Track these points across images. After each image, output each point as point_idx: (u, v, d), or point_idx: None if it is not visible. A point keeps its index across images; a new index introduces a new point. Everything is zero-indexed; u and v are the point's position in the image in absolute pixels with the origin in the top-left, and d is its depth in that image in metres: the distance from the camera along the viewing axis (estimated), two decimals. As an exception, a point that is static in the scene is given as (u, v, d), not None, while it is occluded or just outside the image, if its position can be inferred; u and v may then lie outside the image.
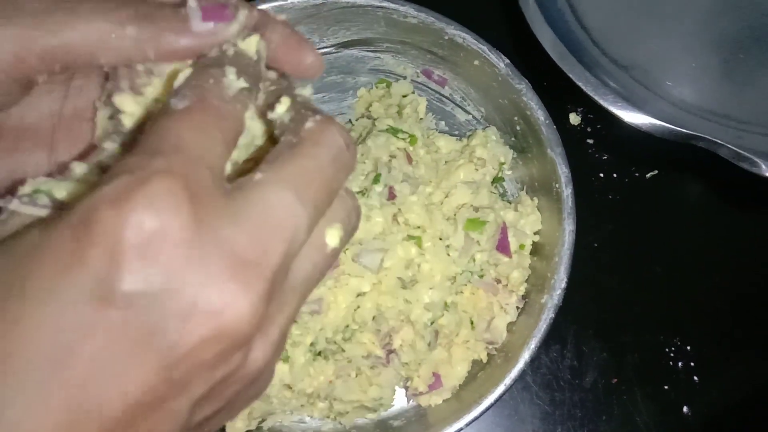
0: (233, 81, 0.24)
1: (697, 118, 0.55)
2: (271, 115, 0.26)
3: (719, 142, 0.51)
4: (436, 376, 0.47)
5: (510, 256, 0.47)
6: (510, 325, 0.48)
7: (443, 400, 0.47)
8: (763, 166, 0.51)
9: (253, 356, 0.22)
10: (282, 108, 0.26)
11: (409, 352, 0.45)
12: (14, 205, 0.22)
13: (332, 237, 0.24)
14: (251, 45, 0.27)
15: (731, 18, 0.59)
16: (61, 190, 0.23)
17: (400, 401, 0.48)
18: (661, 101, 0.56)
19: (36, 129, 0.31)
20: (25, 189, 0.23)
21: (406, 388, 0.48)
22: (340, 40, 0.54)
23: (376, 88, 0.55)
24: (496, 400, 0.44)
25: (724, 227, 0.55)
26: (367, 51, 0.55)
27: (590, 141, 0.56)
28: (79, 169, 0.24)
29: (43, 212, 0.22)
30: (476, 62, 0.50)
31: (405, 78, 0.55)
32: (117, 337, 0.19)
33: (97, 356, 0.18)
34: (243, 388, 0.23)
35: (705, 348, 0.52)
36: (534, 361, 0.49)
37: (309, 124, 0.24)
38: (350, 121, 0.55)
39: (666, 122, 0.52)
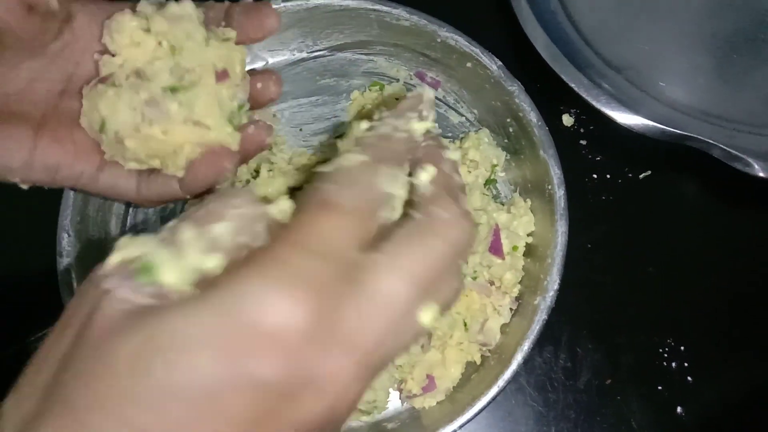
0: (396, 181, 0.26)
1: (690, 119, 0.55)
2: (413, 180, 0.27)
3: (712, 142, 0.51)
4: (429, 378, 0.47)
5: (503, 258, 0.47)
6: (503, 327, 0.48)
7: (437, 402, 0.47)
8: (756, 166, 0.51)
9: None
10: (426, 177, 0.27)
11: (403, 354, 0.45)
12: (123, 293, 0.22)
13: (426, 315, 0.25)
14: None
15: (724, 18, 0.59)
16: (173, 271, 0.23)
17: (394, 403, 0.49)
18: (654, 102, 0.56)
19: (23, 102, 0.35)
20: (129, 254, 0.23)
21: (400, 391, 0.48)
22: (333, 44, 0.54)
23: (370, 90, 0.55)
24: (490, 402, 0.44)
25: (717, 227, 0.55)
26: (361, 54, 0.55)
27: (583, 142, 0.56)
28: (188, 234, 0.24)
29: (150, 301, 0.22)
30: (469, 64, 0.50)
31: (398, 80, 0.55)
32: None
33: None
34: None
35: (699, 348, 0.52)
36: (528, 362, 0.49)
37: (444, 215, 0.26)
38: (344, 124, 0.55)
39: (659, 123, 0.52)
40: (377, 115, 0.30)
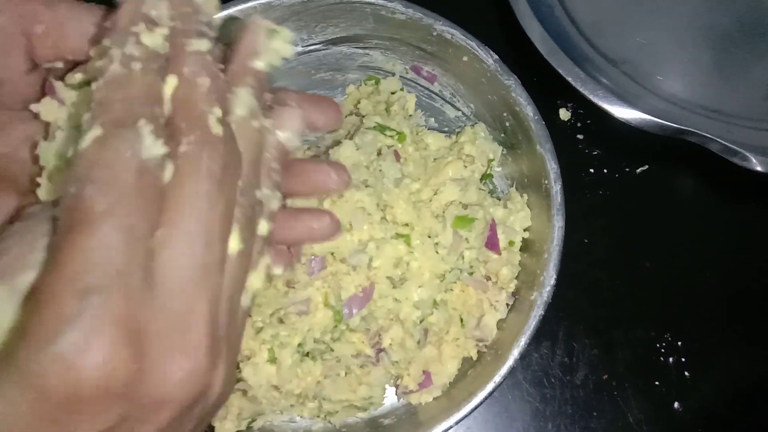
0: (150, 146, 0.22)
1: (688, 113, 0.55)
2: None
3: (710, 136, 0.51)
4: (426, 374, 0.47)
5: (499, 253, 0.47)
6: (500, 323, 0.48)
7: (433, 398, 0.47)
8: (754, 160, 0.50)
9: None
10: (167, 90, 0.24)
11: (399, 350, 0.45)
12: None
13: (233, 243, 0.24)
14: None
15: (721, 12, 0.59)
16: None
17: (390, 399, 0.48)
18: (652, 96, 0.55)
19: (11, 164, 0.31)
20: None
21: (397, 387, 0.48)
22: (328, 37, 0.54)
23: (365, 85, 0.55)
24: (486, 398, 0.44)
25: (715, 222, 0.55)
26: (356, 48, 0.55)
27: (580, 136, 0.56)
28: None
29: None
30: (465, 58, 0.50)
31: (394, 74, 0.55)
32: None
33: None
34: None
35: (696, 344, 0.51)
36: (524, 358, 0.49)
37: (193, 152, 0.23)
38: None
39: (656, 117, 0.52)
40: (95, 50, 0.25)
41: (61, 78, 0.29)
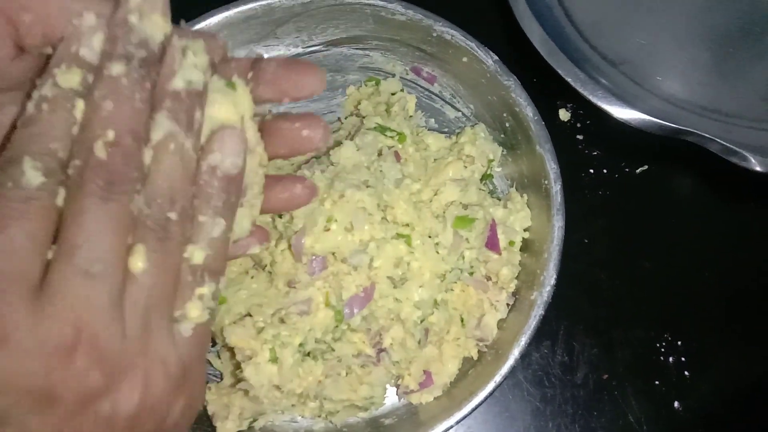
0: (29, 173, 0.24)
1: (687, 113, 0.55)
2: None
3: (709, 136, 0.51)
4: (426, 373, 0.47)
5: (499, 253, 0.47)
6: (500, 322, 0.48)
7: (434, 398, 0.47)
8: (753, 160, 0.51)
9: None
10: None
11: (400, 350, 0.45)
12: None
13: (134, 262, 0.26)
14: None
15: (720, 12, 0.59)
16: None
17: (391, 399, 0.48)
18: (651, 96, 0.56)
19: None
20: None
21: (397, 387, 0.48)
22: (328, 38, 0.54)
23: (365, 86, 0.55)
24: (487, 397, 0.44)
25: (714, 222, 0.55)
26: (356, 49, 0.55)
27: (580, 137, 0.56)
28: None
29: None
30: (465, 59, 0.50)
31: (394, 75, 0.55)
32: None
33: None
34: None
35: (696, 343, 0.52)
36: (525, 357, 0.50)
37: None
38: (339, 119, 0.55)
39: (655, 117, 0.52)
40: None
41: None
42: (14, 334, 0.23)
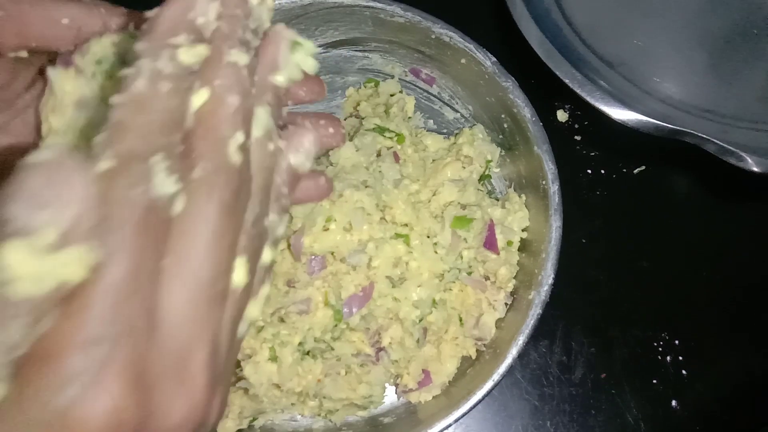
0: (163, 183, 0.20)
1: (684, 114, 0.55)
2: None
3: (705, 137, 0.52)
4: (425, 372, 0.47)
5: (497, 253, 0.48)
6: (498, 322, 0.48)
7: (433, 397, 0.47)
8: (749, 161, 0.51)
9: None
10: (197, 102, 0.22)
11: (399, 349, 0.45)
12: None
13: (238, 276, 0.23)
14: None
15: (717, 14, 0.59)
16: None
17: (390, 398, 0.49)
18: (648, 97, 0.56)
19: None
20: None
21: (396, 385, 0.48)
22: (328, 40, 0.54)
23: (365, 87, 0.55)
24: (485, 396, 0.44)
25: (711, 222, 0.55)
26: (356, 50, 0.55)
27: (578, 138, 0.57)
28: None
29: None
30: (463, 60, 0.51)
31: (393, 77, 0.55)
32: None
33: None
34: None
35: (693, 342, 0.52)
36: (523, 356, 0.50)
37: (205, 177, 0.21)
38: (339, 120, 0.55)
39: (653, 118, 0.52)
40: (131, 53, 0.21)
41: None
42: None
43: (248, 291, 0.24)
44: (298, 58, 0.25)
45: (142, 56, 0.21)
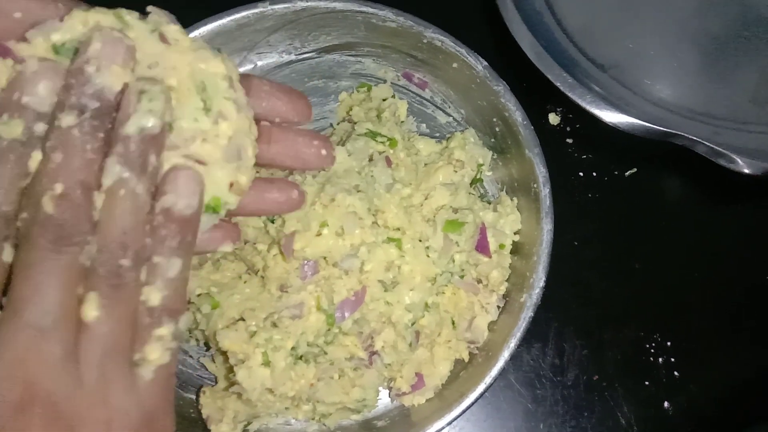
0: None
1: (675, 116, 0.55)
2: None
3: (697, 139, 0.52)
4: (418, 376, 0.47)
5: (489, 257, 0.48)
6: (491, 325, 0.48)
7: (426, 400, 0.48)
8: (741, 162, 0.51)
9: None
10: None
11: (392, 353, 0.46)
12: None
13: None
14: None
15: (709, 16, 0.59)
16: None
17: (383, 401, 0.49)
18: (640, 100, 0.56)
19: None
20: None
21: (390, 389, 0.48)
22: (321, 45, 0.55)
23: (357, 92, 0.56)
24: (477, 398, 0.45)
25: (703, 223, 0.56)
26: (348, 55, 0.55)
27: (570, 140, 0.57)
28: None
29: None
30: (455, 65, 0.51)
31: (385, 81, 0.56)
32: None
33: None
34: None
35: (685, 343, 0.52)
36: (516, 359, 0.50)
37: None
38: (332, 125, 0.56)
39: (644, 121, 0.52)
40: None
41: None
42: None
43: (117, 329, 0.26)
44: (145, 105, 0.27)
45: None
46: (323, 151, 0.35)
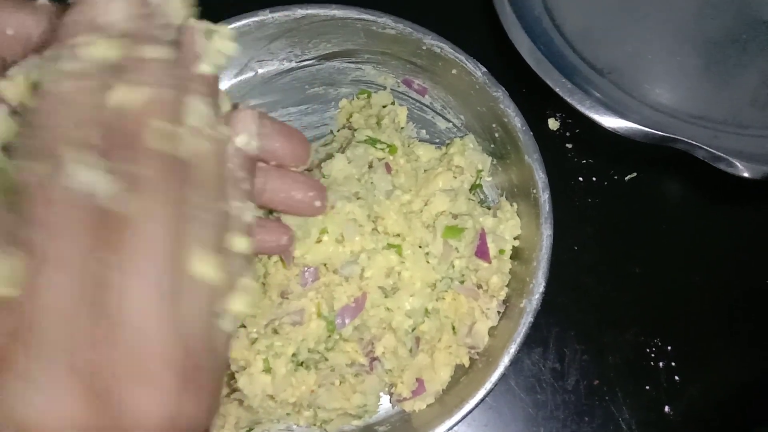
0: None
1: (675, 120, 0.56)
2: None
3: (696, 143, 0.52)
4: (419, 381, 0.47)
5: (489, 262, 0.48)
6: (491, 330, 0.48)
7: (427, 405, 0.48)
8: (740, 166, 0.51)
9: None
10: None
11: (392, 358, 0.46)
12: None
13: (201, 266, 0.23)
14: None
15: (708, 20, 0.60)
16: None
17: (384, 407, 0.49)
18: (639, 104, 0.56)
19: None
20: None
21: (390, 394, 0.49)
22: (321, 53, 0.55)
23: (357, 98, 0.56)
24: (478, 404, 0.45)
25: (702, 227, 0.56)
26: (349, 62, 0.56)
27: (569, 145, 0.57)
28: None
29: None
30: (454, 71, 0.51)
31: (385, 88, 0.56)
32: None
33: None
34: None
35: (686, 348, 0.52)
36: (516, 364, 0.50)
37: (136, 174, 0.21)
38: (332, 132, 0.56)
39: (643, 125, 0.53)
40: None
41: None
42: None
43: (219, 282, 0.23)
44: (216, 44, 0.26)
45: (48, 61, 0.22)
46: (317, 203, 0.36)
